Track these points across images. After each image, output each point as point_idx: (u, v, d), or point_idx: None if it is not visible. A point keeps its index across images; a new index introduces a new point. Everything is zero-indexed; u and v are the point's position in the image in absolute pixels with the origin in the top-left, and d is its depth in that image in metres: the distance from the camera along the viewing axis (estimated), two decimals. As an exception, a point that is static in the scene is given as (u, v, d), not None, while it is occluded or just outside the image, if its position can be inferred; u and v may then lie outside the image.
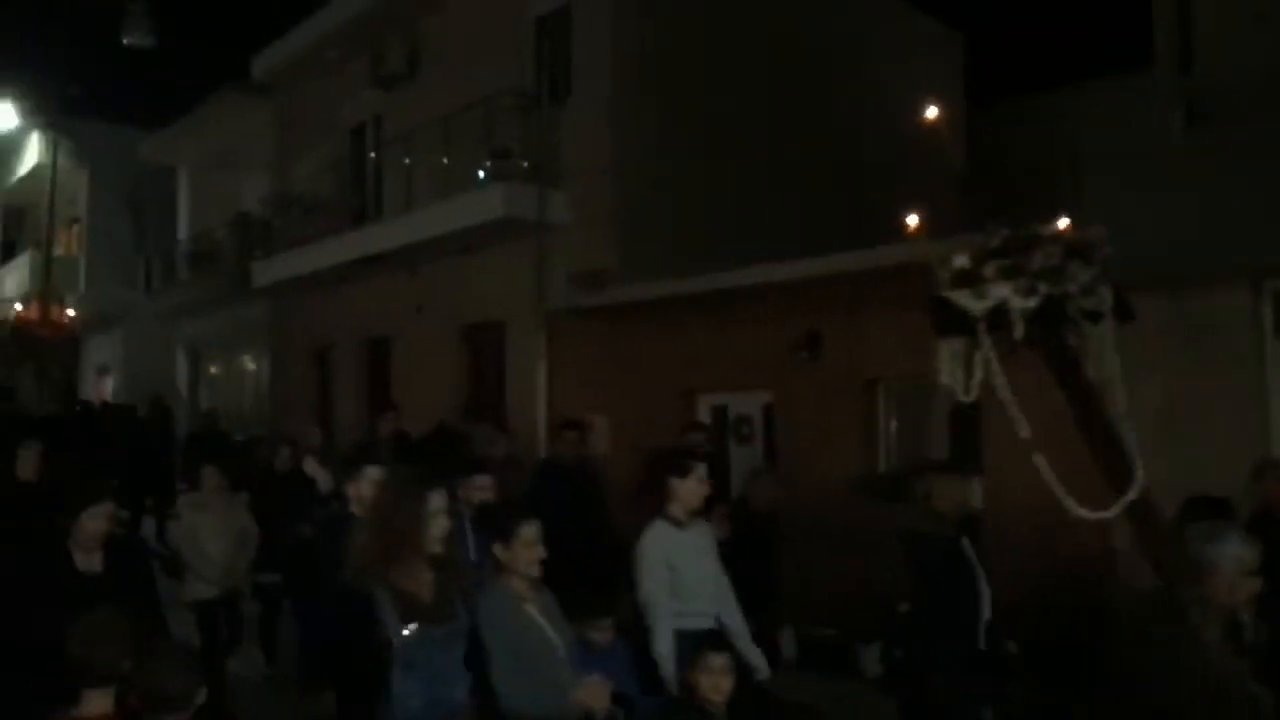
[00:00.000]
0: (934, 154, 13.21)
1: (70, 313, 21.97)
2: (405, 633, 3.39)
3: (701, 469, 4.87)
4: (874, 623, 6.92)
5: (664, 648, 4.53)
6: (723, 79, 12.04)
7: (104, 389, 23.32)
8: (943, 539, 5.08)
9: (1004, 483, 7.98)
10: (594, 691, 3.84)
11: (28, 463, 6.55)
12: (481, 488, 5.60)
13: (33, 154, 24.37)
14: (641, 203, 11.28)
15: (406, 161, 13.67)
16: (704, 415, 10.59)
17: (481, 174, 12.14)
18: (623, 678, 4.26)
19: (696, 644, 4.38)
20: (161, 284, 21.16)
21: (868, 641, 7.87)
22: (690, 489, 4.81)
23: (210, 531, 7.32)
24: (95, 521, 4.54)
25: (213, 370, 21.08)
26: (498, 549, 3.93)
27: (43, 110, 22.39)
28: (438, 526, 3.56)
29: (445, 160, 12.75)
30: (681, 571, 4.68)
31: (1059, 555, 7.02)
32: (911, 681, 5.23)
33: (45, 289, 21.66)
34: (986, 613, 5.11)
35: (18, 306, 21.87)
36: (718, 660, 4.08)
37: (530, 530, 3.94)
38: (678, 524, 4.79)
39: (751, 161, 12.00)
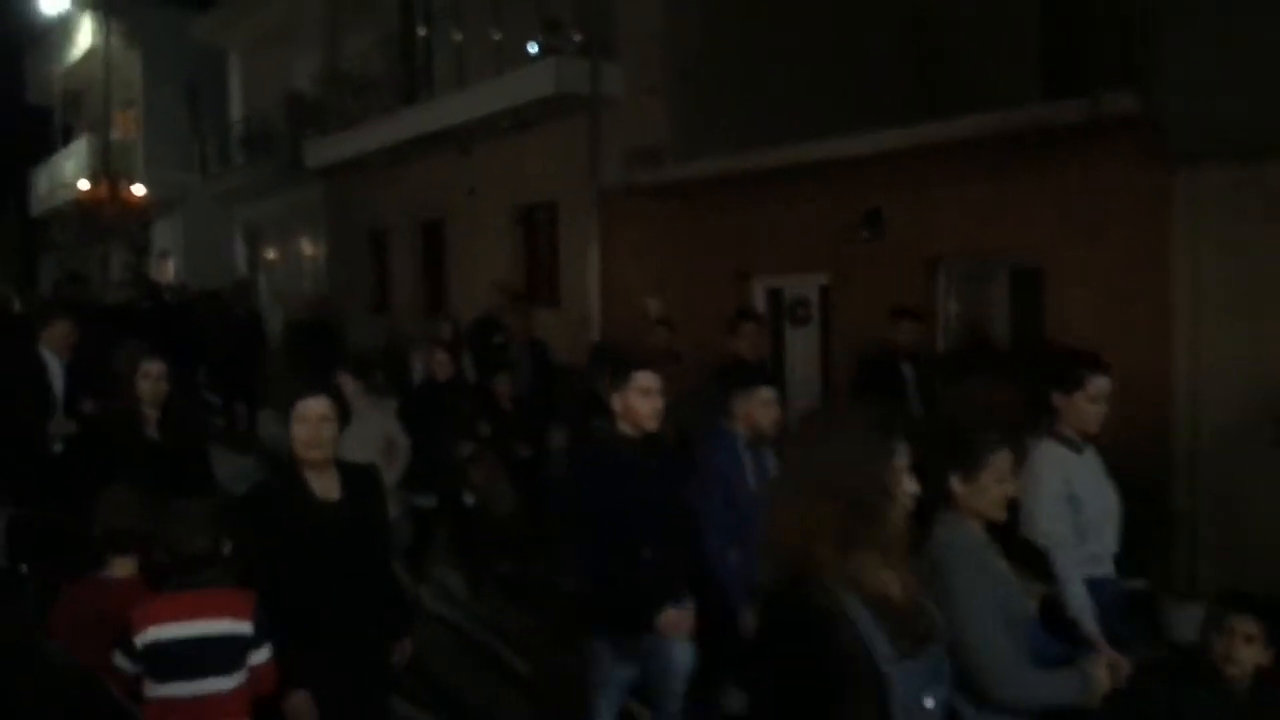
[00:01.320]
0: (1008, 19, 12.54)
1: (139, 190, 21.63)
2: (900, 659, 2.23)
3: (1098, 382, 3.91)
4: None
5: (1080, 600, 3.70)
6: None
7: (166, 272, 23.66)
8: None
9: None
10: (1108, 670, 2.95)
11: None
12: (766, 403, 4.40)
13: (85, 37, 24.28)
14: (696, 75, 10.86)
15: (458, 37, 13.37)
16: (759, 298, 10.44)
17: (533, 48, 11.84)
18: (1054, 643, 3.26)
19: (1099, 593, 3.77)
20: (217, 167, 21.21)
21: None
22: (1081, 409, 3.91)
23: (349, 442, 6.55)
24: (306, 426, 3.49)
25: (271, 254, 21.27)
26: (956, 483, 3.03)
27: (93, -9, 22.26)
28: (908, 495, 2.35)
29: (495, 35, 12.44)
30: (1085, 505, 3.86)
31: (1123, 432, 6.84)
32: None
33: (109, 170, 21.66)
34: None
35: (83, 184, 21.40)
36: (1244, 625, 3.23)
37: (1005, 459, 3.04)
38: (1074, 447, 3.95)
39: (811, 30, 11.45)
